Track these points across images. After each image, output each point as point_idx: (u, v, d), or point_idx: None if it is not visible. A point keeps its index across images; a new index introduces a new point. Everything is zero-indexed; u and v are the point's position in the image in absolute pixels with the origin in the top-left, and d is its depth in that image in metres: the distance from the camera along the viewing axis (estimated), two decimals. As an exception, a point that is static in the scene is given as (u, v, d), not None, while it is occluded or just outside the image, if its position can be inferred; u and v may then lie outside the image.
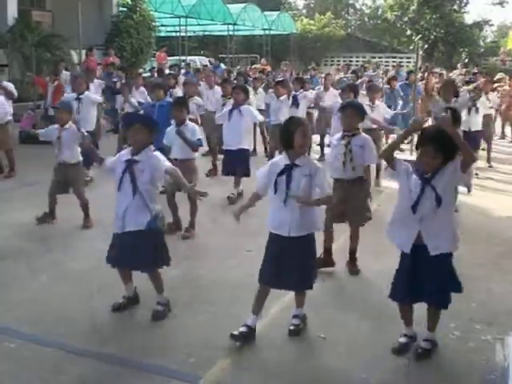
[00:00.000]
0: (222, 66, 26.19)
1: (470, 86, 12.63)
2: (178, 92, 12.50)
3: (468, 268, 6.21)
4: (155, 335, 4.84)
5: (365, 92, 10.79)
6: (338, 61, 38.18)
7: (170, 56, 25.48)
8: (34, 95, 14.44)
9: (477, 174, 10.95)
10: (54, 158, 7.77)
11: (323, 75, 16.39)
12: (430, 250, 4.31)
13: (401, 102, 13.89)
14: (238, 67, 25.69)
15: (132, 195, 4.89)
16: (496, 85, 15.42)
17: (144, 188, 4.92)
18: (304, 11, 53.25)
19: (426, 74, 18.20)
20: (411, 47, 40.15)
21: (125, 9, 20.31)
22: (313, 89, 14.71)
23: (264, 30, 33.81)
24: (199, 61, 28.98)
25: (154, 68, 19.59)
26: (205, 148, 12.46)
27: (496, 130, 14.88)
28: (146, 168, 4.91)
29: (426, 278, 4.36)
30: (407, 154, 11.90)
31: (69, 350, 4.58)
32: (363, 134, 6.17)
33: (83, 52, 17.56)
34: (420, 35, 40.53)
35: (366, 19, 54.93)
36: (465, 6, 44.06)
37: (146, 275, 5.16)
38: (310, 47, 39.35)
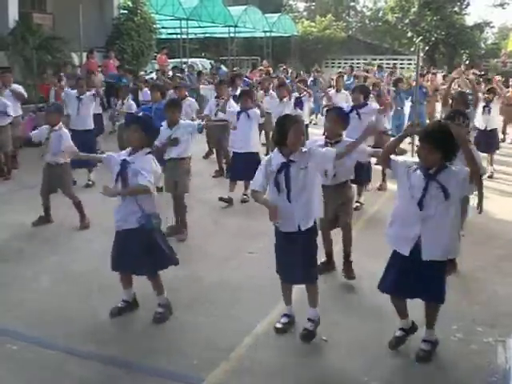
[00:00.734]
0: (223, 68, 26.15)
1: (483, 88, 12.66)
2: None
3: (470, 270, 6.22)
4: (157, 337, 4.84)
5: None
6: (339, 63, 38.21)
7: (170, 58, 25.47)
8: (35, 98, 14.43)
9: (491, 177, 11.05)
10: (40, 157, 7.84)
11: (334, 77, 16.38)
12: (422, 254, 4.30)
13: (408, 104, 13.87)
14: (236, 68, 25.68)
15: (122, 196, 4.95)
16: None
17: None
18: (305, 13, 53.30)
19: (429, 75, 18.23)
20: (412, 49, 40.17)
21: (126, 11, 20.28)
22: (317, 91, 14.78)
23: (265, 32, 33.80)
24: (200, 63, 28.98)
25: (159, 70, 19.59)
26: (204, 150, 12.53)
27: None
28: (137, 169, 4.90)
29: (418, 278, 4.35)
30: (409, 155, 11.93)
31: (70, 352, 4.59)
32: (346, 139, 5.99)
33: (84, 54, 17.56)
34: (421, 37, 40.53)
35: (367, 21, 54.93)
36: (466, 7, 44.13)
37: (144, 276, 5.15)
38: (311, 49, 39.35)
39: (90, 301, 5.47)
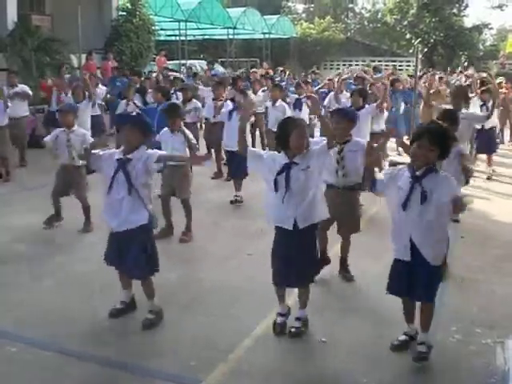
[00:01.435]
0: (220, 68, 26.17)
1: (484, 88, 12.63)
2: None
3: (468, 271, 6.22)
4: (156, 338, 4.85)
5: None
6: (338, 64, 38.19)
7: (169, 60, 25.47)
8: (34, 99, 14.42)
9: (489, 178, 11.06)
10: (53, 160, 7.75)
11: (335, 78, 16.37)
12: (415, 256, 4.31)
13: (403, 105, 13.88)
14: (241, 70, 25.71)
15: (127, 193, 4.86)
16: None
17: (139, 186, 4.89)
18: (303, 15, 53.19)
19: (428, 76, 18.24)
20: (411, 51, 40.13)
21: (124, 13, 20.30)
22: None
23: (264, 33, 33.79)
24: (199, 65, 28.99)
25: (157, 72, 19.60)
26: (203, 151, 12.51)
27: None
28: (139, 164, 4.87)
29: (415, 278, 4.36)
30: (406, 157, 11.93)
31: (70, 353, 4.59)
32: (355, 138, 6.08)
33: (83, 56, 17.55)
34: (419, 39, 40.46)
35: (366, 23, 54.85)
36: (464, 9, 44.08)
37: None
38: (310, 51, 39.31)
39: (91, 302, 5.46)
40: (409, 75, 17.23)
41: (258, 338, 4.81)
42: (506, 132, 16.11)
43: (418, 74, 13.55)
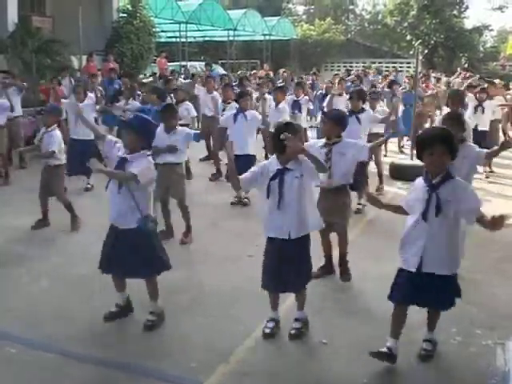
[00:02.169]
0: (219, 69, 26.19)
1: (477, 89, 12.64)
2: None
3: (468, 272, 6.21)
4: (156, 340, 4.84)
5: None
6: (338, 66, 38.23)
7: (170, 62, 25.51)
8: (34, 101, 14.44)
9: (487, 177, 11.09)
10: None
11: (326, 80, 16.44)
12: (423, 266, 4.26)
13: (401, 107, 13.91)
14: (239, 72, 25.71)
15: (117, 192, 4.89)
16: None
17: (133, 188, 4.86)
18: (304, 17, 53.25)
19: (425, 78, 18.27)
20: (411, 52, 40.17)
21: (125, 14, 20.32)
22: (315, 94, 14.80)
23: (264, 35, 33.85)
24: (199, 66, 29.04)
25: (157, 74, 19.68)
26: (201, 152, 12.53)
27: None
28: (135, 167, 4.85)
29: (427, 288, 4.31)
30: (408, 157, 11.94)
31: (70, 354, 4.58)
32: (345, 139, 6.07)
33: (83, 57, 17.57)
34: (420, 40, 40.56)
35: (366, 24, 54.90)
36: (464, 11, 44.12)
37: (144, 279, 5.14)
38: (310, 52, 39.36)
39: (91, 303, 5.46)
40: (407, 76, 17.24)
41: (258, 339, 4.81)
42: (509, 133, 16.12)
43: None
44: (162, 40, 26.82)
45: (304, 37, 40.21)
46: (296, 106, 11.68)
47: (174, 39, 29.47)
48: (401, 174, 10.64)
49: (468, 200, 4.16)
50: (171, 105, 8.31)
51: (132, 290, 5.27)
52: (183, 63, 25.91)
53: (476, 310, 5.40)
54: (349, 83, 17.04)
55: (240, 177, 4.76)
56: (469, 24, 45.06)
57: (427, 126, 14.43)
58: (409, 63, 36.11)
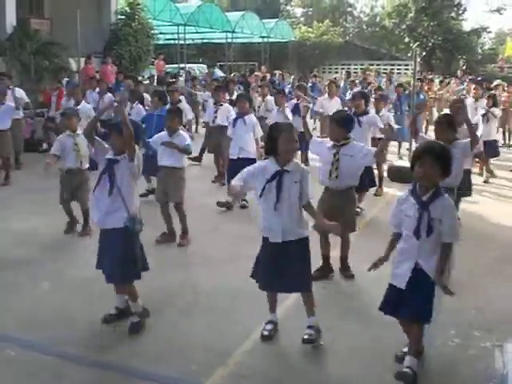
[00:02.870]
0: (219, 72, 26.19)
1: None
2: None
3: (467, 274, 6.23)
4: (155, 342, 4.84)
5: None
6: (336, 68, 38.29)
7: (168, 64, 25.52)
8: (32, 103, 14.44)
9: (486, 182, 11.08)
10: (46, 167, 7.44)
11: (326, 83, 16.45)
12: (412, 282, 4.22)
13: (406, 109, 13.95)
14: (238, 73, 25.72)
15: (108, 193, 4.90)
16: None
17: (122, 187, 4.90)
18: (302, 19, 53.29)
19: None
20: (409, 54, 40.14)
21: (123, 17, 20.31)
22: (313, 97, 14.82)
23: (262, 37, 33.88)
24: (198, 68, 29.06)
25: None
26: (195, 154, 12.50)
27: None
28: (125, 166, 4.91)
29: (409, 299, 4.25)
30: (406, 160, 11.95)
31: (69, 357, 4.59)
32: (354, 142, 6.13)
33: (82, 60, 17.57)
34: (418, 42, 40.59)
35: (364, 27, 54.96)
36: (462, 13, 44.12)
37: (142, 280, 5.12)
38: (309, 55, 39.40)
39: (91, 306, 5.46)
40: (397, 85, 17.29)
41: (257, 340, 4.81)
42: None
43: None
44: (161, 42, 26.80)
45: (302, 39, 40.25)
46: (297, 109, 11.67)
47: (172, 41, 29.45)
48: (399, 176, 10.63)
49: (448, 225, 4.13)
50: (177, 107, 8.32)
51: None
52: (182, 65, 25.90)
53: (474, 312, 5.41)
54: (342, 84, 17.05)
55: (235, 183, 4.73)
56: (467, 26, 45.14)
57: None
58: (407, 65, 36.15)
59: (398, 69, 34.26)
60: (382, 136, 9.65)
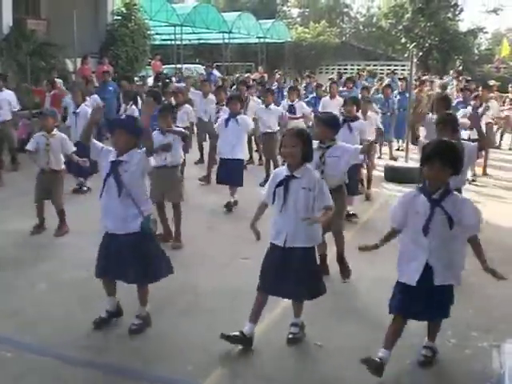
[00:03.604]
0: (216, 72, 26.14)
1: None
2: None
3: (465, 275, 6.19)
4: (153, 343, 4.84)
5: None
6: (333, 69, 38.23)
7: (165, 64, 25.48)
8: (29, 104, 14.42)
9: (474, 181, 11.04)
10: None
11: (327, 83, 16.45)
12: (435, 280, 4.26)
13: (396, 112, 13.94)
14: (237, 75, 25.70)
15: (117, 195, 4.83)
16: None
17: (131, 188, 4.85)
18: (298, 19, 53.26)
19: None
20: (406, 55, 40.21)
21: (120, 17, 20.28)
22: (307, 97, 14.80)
23: (259, 38, 33.85)
24: (194, 69, 29.01)
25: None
26: (196, 156, 12.52)
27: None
28: (132, 166, 4.85)
29: (427, 301, 4.30)
30: (401, 161, 11.96)
31: (67, 358, 4.58)
32: (340, 143, 6.12)
33: (78, 60, 17.55)
34: (414, 43, 40.61)
35: (361, 27, 54.97)
36: (459, 13, 44.16)
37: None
38: (305, 55, 39.38)
39: (88, 307, 5.44)
40: (400, 78, 17.25)
41: (255, 342, 4.79)
42: (506, 135, 16.21)
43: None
44: (157, 43, 26.76)
45: (299, 39, 40.22)
46: (291, 110, 11.67)
47: (168, 42, 29.40)
48: (395, 176, 10.59)
49: (468, 216, 4.17)
50: (169, 105, 8.29)
51: (133, 291, 5.25)
52: (178, 66, 25.87)
53: (471, 312, 5.41)
54: (340, 88, 17.02)
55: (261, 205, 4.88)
56: (463, 27, 45.17)
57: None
58: (403, 66, 36.12)
59: (394, 69, 34.22)
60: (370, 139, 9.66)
